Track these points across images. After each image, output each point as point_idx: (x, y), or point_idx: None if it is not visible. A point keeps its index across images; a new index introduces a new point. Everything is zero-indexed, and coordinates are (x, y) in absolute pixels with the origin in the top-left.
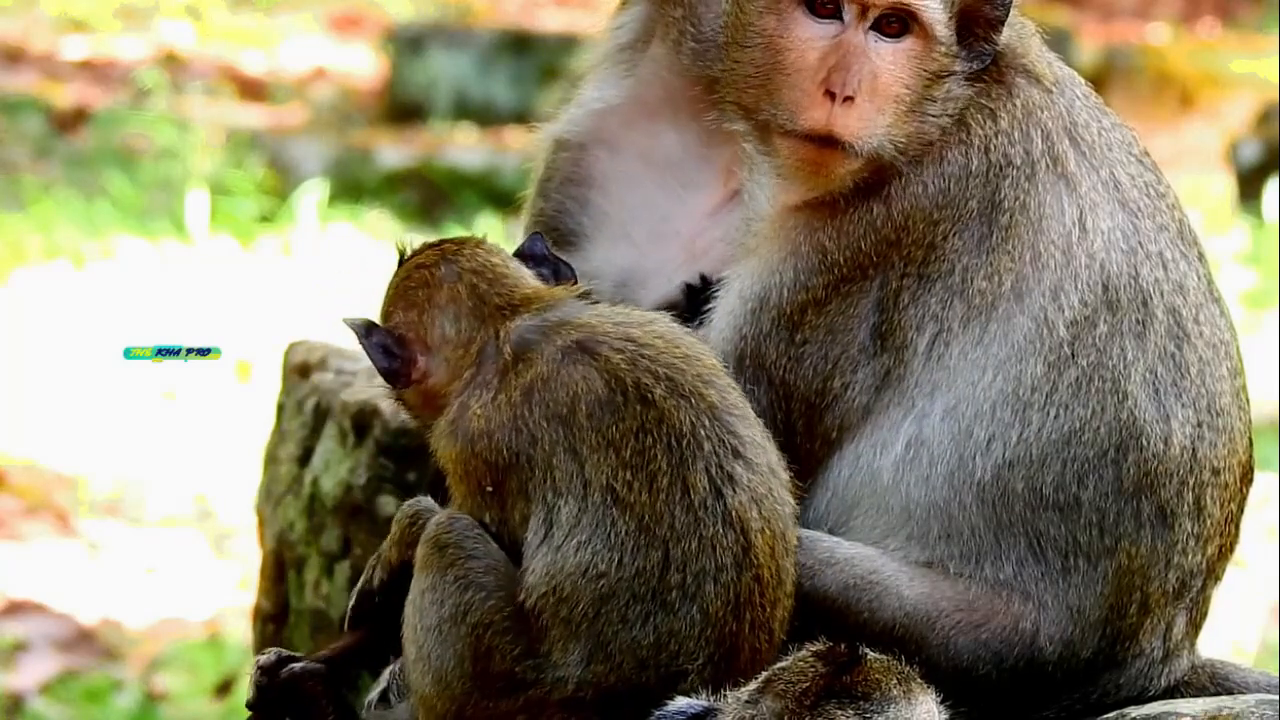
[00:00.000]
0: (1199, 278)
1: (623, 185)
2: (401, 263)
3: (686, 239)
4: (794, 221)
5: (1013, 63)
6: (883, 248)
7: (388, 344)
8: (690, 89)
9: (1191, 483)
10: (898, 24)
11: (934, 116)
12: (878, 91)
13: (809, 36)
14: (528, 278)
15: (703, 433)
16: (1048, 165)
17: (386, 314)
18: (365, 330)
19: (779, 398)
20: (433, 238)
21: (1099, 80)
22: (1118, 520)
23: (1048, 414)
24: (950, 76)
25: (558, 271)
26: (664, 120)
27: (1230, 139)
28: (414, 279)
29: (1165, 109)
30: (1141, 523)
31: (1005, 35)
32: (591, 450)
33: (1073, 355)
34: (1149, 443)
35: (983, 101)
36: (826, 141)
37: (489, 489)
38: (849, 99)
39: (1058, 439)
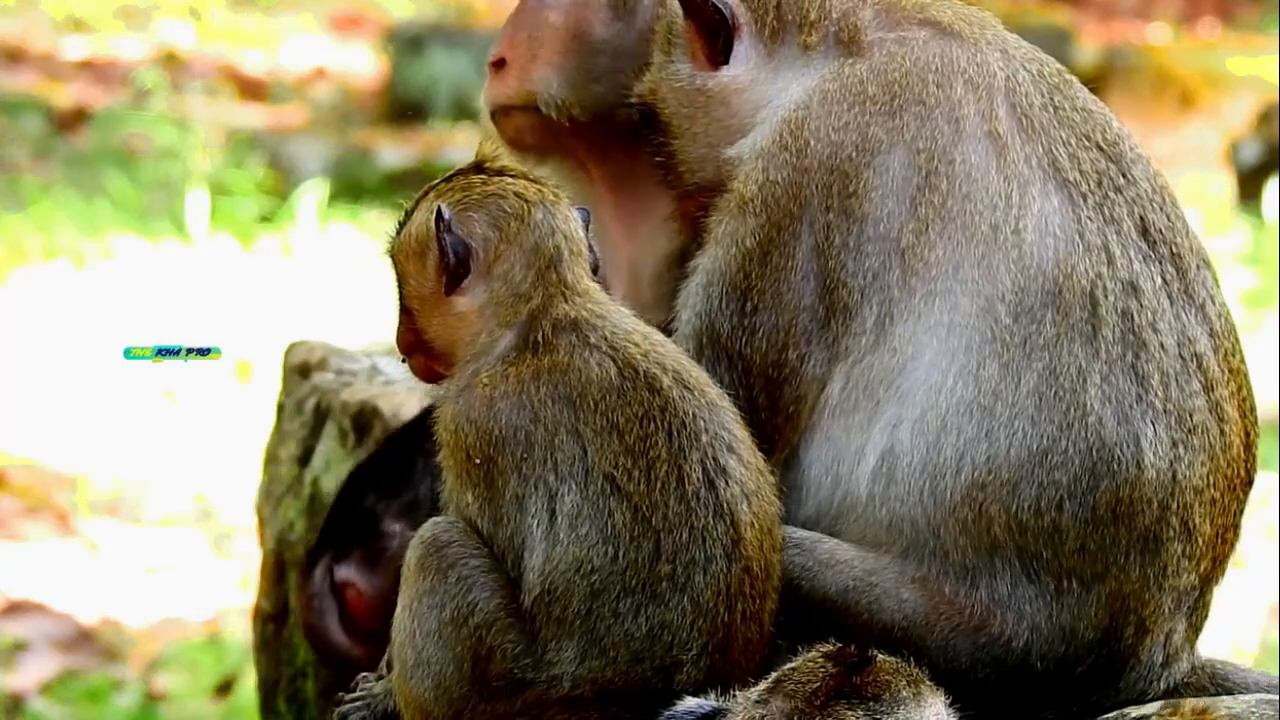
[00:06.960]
0: (1163, 280)
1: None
2: (484, 168)
3: (644, 285)
4: (723, 200)
5: (909, 14)
6: (790, 174)
7: (459, 248)
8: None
9: (1174, 506)
10: None
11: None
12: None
13: None
14: (590, 267)
15: (701, 423)
16: (975, 118)
17: (460, 212)
18: (449, 224)
19: (739, 373)
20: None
21: (1099, 80)
22: (1101, 548)
23: (1014, 429)
24: None
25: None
26: (592, 185)
27: (1230, 139)
28: (509, 204)
29: (1165, 109)
30: (1127, 550)
31: None
32: (595, 433)
33: (1020, 345)
34: (1120, 468)
35: (864, 34)
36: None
37: (477, 461)
38: (499, 64)
39: (1027, 459)
